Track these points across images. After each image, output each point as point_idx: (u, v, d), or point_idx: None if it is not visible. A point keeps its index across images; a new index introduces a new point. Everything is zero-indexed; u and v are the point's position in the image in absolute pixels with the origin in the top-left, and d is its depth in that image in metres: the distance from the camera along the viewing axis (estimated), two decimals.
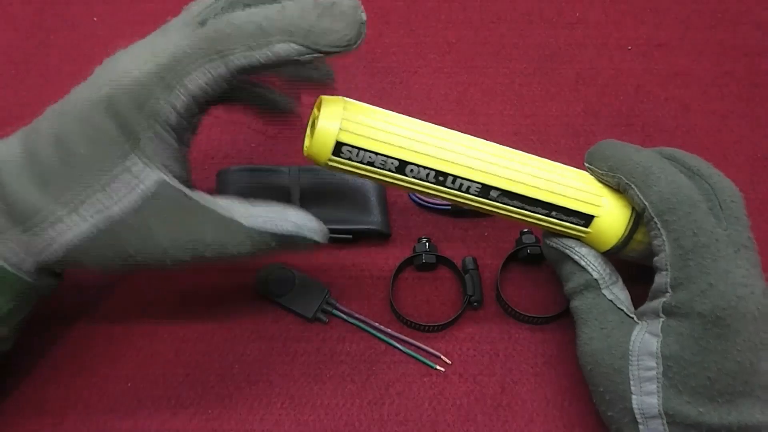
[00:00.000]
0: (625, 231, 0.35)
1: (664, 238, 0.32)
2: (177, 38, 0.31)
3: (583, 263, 0.36)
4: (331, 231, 0.43)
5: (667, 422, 0.31)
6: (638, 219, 0.35)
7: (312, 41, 0.29)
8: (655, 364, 0.31)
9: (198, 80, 0.30)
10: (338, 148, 0.32)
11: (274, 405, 0.39)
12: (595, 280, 0.35)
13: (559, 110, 0.50)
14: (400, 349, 0.40)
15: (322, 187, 0.45)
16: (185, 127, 0.32)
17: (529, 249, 0.42)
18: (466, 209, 0.43)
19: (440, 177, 0.34)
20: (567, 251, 0.36)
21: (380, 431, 0.38)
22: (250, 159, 0.47)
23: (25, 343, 0.41)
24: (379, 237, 0.44)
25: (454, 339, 0.41)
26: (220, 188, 0.45)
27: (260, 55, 0.30)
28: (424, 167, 0.33)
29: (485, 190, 0.34)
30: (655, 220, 0.32)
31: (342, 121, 0.32)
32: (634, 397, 0.32)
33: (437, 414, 0.39)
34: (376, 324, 0.41)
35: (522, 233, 0.43)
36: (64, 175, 0.31)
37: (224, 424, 0.39)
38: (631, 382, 0.32)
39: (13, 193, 0.31)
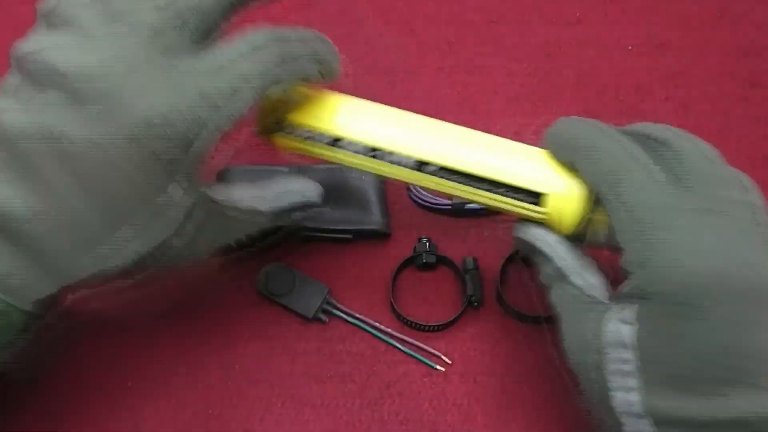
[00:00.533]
0: (584, 209, 0.33)
1: (615, 213, 0.29)
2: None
3: (547, 251, 0.33)
4: (331, 231, 0.43)
5: (654, 421, 0.28)
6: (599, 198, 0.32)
7: (327, 72, 0.33)
8: (631, 357, 0.28)
9: (249, 102, 0.30)
10: (280, 125, 0.34)
11: (274, 405, 0.39)
12: (560, 268, 0.33)
13: (559, 110, 0.50)
14: (400, 349, 0.40)
15: (323, 187, 0.44)
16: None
17: None
18: (466, 209, 0.43)
19: (373, 152, 0.34)
20: (530, 240, 0.34)
21: (380, 431, 0.38)
22: (250, 159, 0.47)
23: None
24: (379, 237, 0.44)
25: (454, 339, 0.41)
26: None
27: (300, 78, 0.32)
28: (356, 141, 0.34)
29: (421, 165, 0.34)
30: (604, 196, 0.30)
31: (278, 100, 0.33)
32: (612, 394, 0.29)
33: (437, 414, 0.39)
34: (376, 324, 0.41)
35: None
36: (104, 217, 0.29)
37: (224, 424, 0.39)
38: (609, 378, 0.29)
39: (50, 252, 0.29)
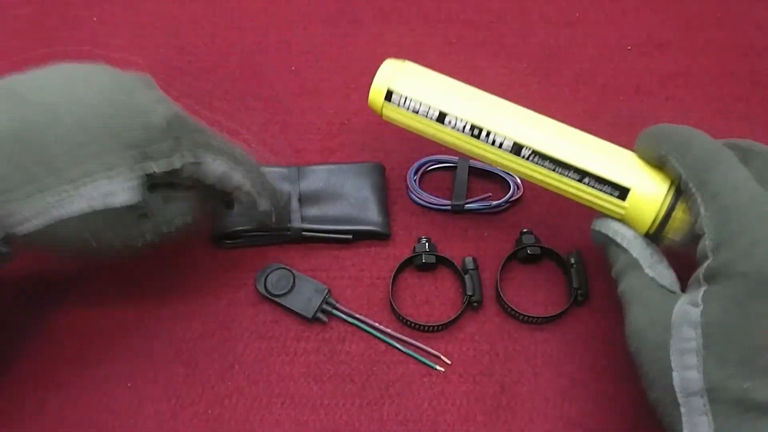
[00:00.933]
0: (663, 205, 0.34)
1: (699, 200, 0.31)
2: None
3: (624, 244, 0.35)
4: (331, 231, 0.43)
5: (709, 399, 0.28)
6: (678, 195, 0.34)
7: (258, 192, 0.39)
8: (695, 335, 0.29)
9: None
10: (389, 95, 0.38)
11: (274, 405, 0.39)
12: (636, 259, 0.34)
13: (559, 110, 0.50)
14: (400, 349, 0.40)
15: (322, 188, 0.45)
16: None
17: (529, 249, 0.42)
18: (466, 209, 0.44)
19: (475, 130, 0.37)
20: (608, 233, 0.36)
21: (380, 431, 0.38)
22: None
23: (25, 343, 0.41)
24: (379, 237, 0.44)
25: (454, 339, 0.41)
26: None
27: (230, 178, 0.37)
28: (461, 119, 0.37)
29: (517, 147, 0.36)
30: (691, 183, 0.31)
31: (395, 73, 0.39)
32: (674, 373, 0.29)
33: (437, 414, 0.39)
34: (376, 324, 0.41)
35: (522, 233, 0.43)
36: (78, 155, 0.31)
37: (224, 424, 0.39)
38: (672, 357, 0.30)
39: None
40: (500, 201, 0.45)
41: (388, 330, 0.41)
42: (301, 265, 0.43)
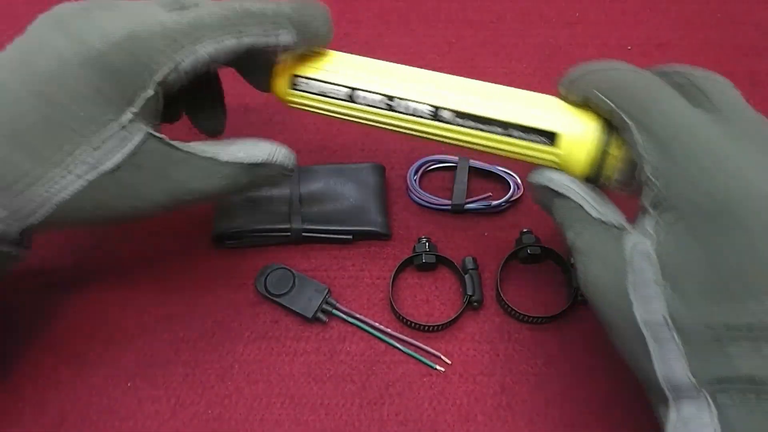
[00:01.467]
0: (596, 143, 0.33)
1: (635, 129, 0.29)
2: (162, 10, 0.33)
3: (563, 191, 0.33)
4: (331, 231, 0.43)
5: (675, 327, 0.27)
6: (610, 131, 0.33)
7: (306, 35, 0.34)
8: (650, 266, 0.28)
9: (207, 47, 0.32)
10: (294, 81, 0.36)
11: (274, 405, 0.39)
12: (578, 204, 0.32)
13: None
14: (400, 349, 0.40)
15: (322, 187, 0.45)
16: (175, 91, 0.33)
17: (529, 249, 0.42)
18: (466, 209, 0.43)
19: (389, 102, 0.35)
20: (544, 182, 0.34)
21: (380, 431, 0.38)
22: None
23: (25, 343, 0.41)
24: (379, 237, 0.44)
25: (454, 339, 0.41)
26: None
27: (270, 39, 0.33)
28: (373, 92, 0.35)
29: (435, 111, 0.35)
30: (624, 114, 0.30)
31: (297, 59, 0.36)
32: (635, 306, 0.28)
33: (437, 414, 0.39)
34: (376, 324, 0.41)
35: (522, 233, 0.43)
36: (51, 134, 0.30)
37: (224, 424, 0.39)
38: (631, 291, 0.28)
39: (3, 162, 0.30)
40: (500, 201, 0.45)
41: (388, 330, 0.41)
42: (301, 265, 0.43)
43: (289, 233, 0.43)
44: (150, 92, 0.31)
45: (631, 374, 0.39)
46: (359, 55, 0.41)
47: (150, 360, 0.40)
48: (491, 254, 0.43)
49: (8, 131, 0.30)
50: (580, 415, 0.39)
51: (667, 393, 0.28)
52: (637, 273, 0.28)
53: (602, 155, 0.33)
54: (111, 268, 0.43)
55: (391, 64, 0.37)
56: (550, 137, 0.34)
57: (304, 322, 0.41)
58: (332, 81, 0.36)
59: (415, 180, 0.46)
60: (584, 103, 0.33)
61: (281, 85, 0.37)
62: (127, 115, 0.31)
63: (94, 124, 0.30)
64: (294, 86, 0.36)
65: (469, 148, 0.36)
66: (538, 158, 0.35)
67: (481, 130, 0.34)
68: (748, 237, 0.26)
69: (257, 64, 0.36)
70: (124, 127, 0.31)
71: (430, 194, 0.45)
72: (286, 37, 0.33)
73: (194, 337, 0.41)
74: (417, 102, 0.35)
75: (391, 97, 0.35)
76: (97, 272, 0.43)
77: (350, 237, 0.43)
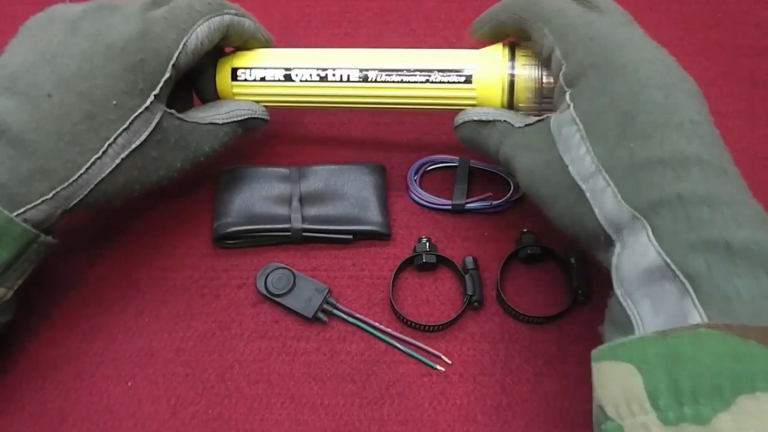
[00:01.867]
0: (505, 68, 0.39)
1: (543, 27, 0.36)
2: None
3: (489, 118, 0.39)
4: (331, 231, 0.43)
5: (606, 172, 0.31)
6: (513, 55, 0.39)
7: (258, 25, 0.43)
8: (575, 128, 0.33)
9: (203, 28, 0.38)
10: (234, 73, 0.42)
11: (274, 405, 0.39)
12: (504, 123, 0.38)
13: None
14: (400, 349, 0.40)
15: (322, 187, 0.45)
16: (185, 71, 0.39)
17: (530, 249, 0.42)
18: (466, 209, 0.43)
19: (322, 74, 0.41)
20: (469, 117, 0.40)
21: (380, 431, 0.38)
22: (251, 159, 0.48)
23: (25, 343, 0.41)
24: (380, 237, 0.44)
25: (454, 339, 0.41)
26: (222, 187, 0.45)
27: (241, 20, 0.41)
28: (306, 68, 0.41)
29: (364, 74, 0.41)
30: (530, 22, 0.37)
31: (234, 55, 0.43)
32: (570, 167, 0.33)
33: (437, 414, 0.39)
34: (376, 324, 0.41)
35: (522, 233, 0.43)
36: (93, 126, 0.35)
37: (224, 424, 0.39)
38: (563, 156, 0.33)
39: (44, 152, 0.34)
40: (501, 201, 0.45)
41: (389, 330, 0.41)
42: (301, 265, 0.43)
43: (289, 233, 0.43)
44: (168, 75, 0.37)
45: None
46: None
47: (150, 360, 0.40)
48: (491, 254, 0.43)
49: (57, 130, 0.34)
50: (580, 415, 0.39)
51: (610, 232, 0.31)
52: (566, 138, 0.34)
53: (511, 78, 0.39)
54: (111, 267, 0.43)
55: (319, 48, 0.42)
56: (466, 76, 0.40)
57: (304, 322, 0.41)
58: (268, 66, 0.42)
59: (415, 180, 0.46)
60: (494, 32, 0.40)
61: (224, 79, 0.42)
62: (150, 98, 0.36)
63: (126, 111, 0.35)
64: (236, 77, 0.42)
65: (399, 105, 0.42)
66: (458, 98, 0.40)
67: (406, 82, 0.40)
68: (631, 86, 0.32)
69: (202, 71, 0.43)
70: (147, 108, 0.36)
71: (430, 194, 0.45)
72: (249, 22, 0.41)
73: (194, 337, 0.41)
74: (347, 68, 0.41)
75: (323, 69, 0.41)
76: (96, 271, 0.43)
77: (350, 237, 0.43)
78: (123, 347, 0.41)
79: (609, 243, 0.32)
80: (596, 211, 0.32)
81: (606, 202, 0.31)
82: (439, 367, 0.40)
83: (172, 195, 0.46)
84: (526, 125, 0.37)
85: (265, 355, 0.41)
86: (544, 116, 0.36)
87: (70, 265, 0.43)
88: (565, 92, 0.35)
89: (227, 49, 0.44)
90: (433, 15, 0.55)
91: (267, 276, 0.42)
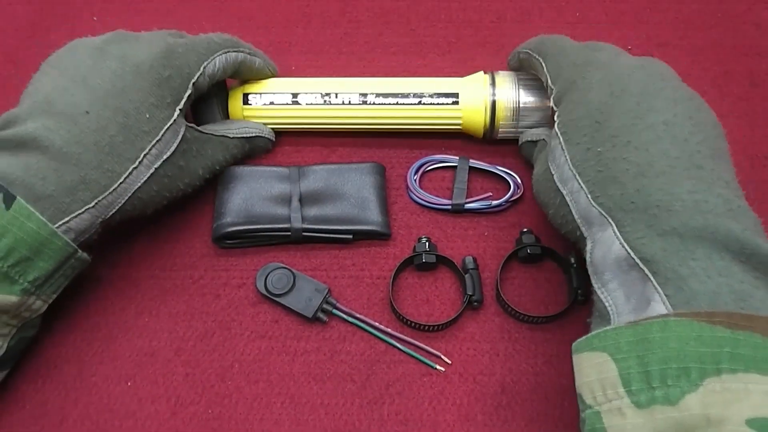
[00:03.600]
0: (487, 91, 0.45)
1: (539, 63, 0.41)
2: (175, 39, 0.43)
3: (533, 138, 0.44)
4: (331, 231, 0.43)
5: (578, 174, 0.35)
6: (494, 80, 0.45)
7: (266, 60, 0.48)
8: (557, 141, 0.37)
9: (220, 58, 0.43)
10: (246, 98, 0.46)
11: (274, 405, 0.39)
12: (543, 140, 0.42)
13: None
14: (400, 349, 0.40)
15: (322, 187, 0.45)
16: (199, 93, 0.43)
17: (530, 249, 0.42)
18: (466, 209, 0.44)
19: (326, 97, 0.46)
20: (526, 138, 0.44)
21: (380, 431, 0.38)
22: (251, 159, 0.48)
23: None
24: (380, 237, 0.44)
25: (454, 339, 0.41)
26: (222, 187, 0.45)
27: (252, 59, 0.45)
28: (311, 92, 0.46)
29: (363, 97, 0.45)
30: (533, 54, 0.42)
31: (245, 83, 0.47)
32: (554, 175, 0.37)
33: (437, 414, 0.39)
34: (376, 324, 0.41)
35: (522, 233, 0.43)
36: (130, 138, 0.37)
37: (224, 424, 0.39)
38: (550, 167, 0.37)
39: (86, 162, 0.36)
40: (500, 200, 0.45)
41: (389, 330, 0.41)
42: (301, 265, 0.43)
43: (289, 233, 0.43)
44: (190, 92, 0.40)
45: None
46: (362, 57, 0.46)
47: (150, 360, 0.40)
48: (491, 254, 0.43)
49: (96, 142, 0.36)
50: (579, 415, 0.38)
51: (584, 229, 0.35)
52: (552, 149, 0.38)
53: (493, 99, 0.45)
54: (111, 267, 0.43)
55: (323, 78, 0.47)
56: (454, 96, 0.45)
57: (304, 321, 0.41)
58: (277, 91, 0.46)
59: (415, 180, 0.46)
60: (519, 64, 0.45)
61: (236, 103, 0.46)
62: (176, 112, 0.39)
63: (158, 123, 0.38)
64: (247, 102, 0.46)
65: (395, 126, 0.46)
66: (446, 119, 0.45)
67: (401, 104, 0.45)
68: (604, 96, 0.36)
69: (206, 98, 0.46)
70: (175, 121, 0.39)
71: (430, 194, 0.45)
72: (259, 61, 0.46)
73: (194, 337, 0.41)
74: (348, 93, 0.46)
75: (327, 94, 0.46)
76: (97, 272, 0.43)
77: (350, 237, 0.43)
78: (123, 347, 0.41)
79: (583, 239, 0.35)
80: (573, 212, 0.35)
81: (580, 202, 0.35)
82: (438, 367, 0.40)
83: None
84: (545, 144, 0.41)
85: (265, 355, 0.41)
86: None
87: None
88: (555, 112, 0.38)
89: (229, 81, 0.48)
90: (433, 15, 0.55)
91: (267, 276, 0.42)
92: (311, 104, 0.46)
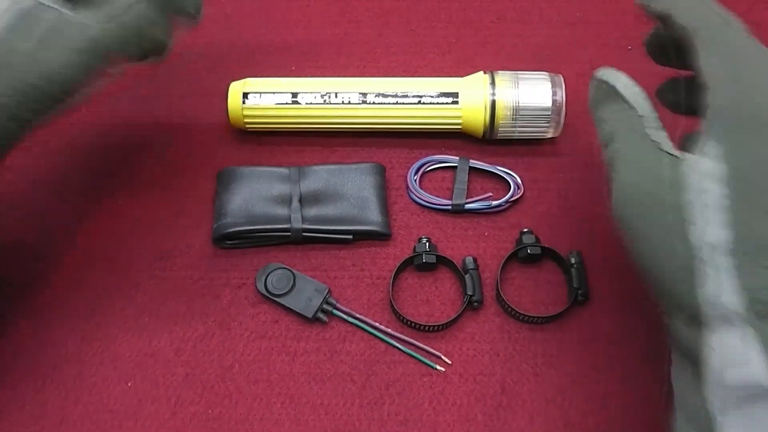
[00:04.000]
0: (486, 90, 0.44)
1: (699, 59, 0.30)
2: None
3: (630, 99, 0.31)
4: (331, 231, 0.43)
5: (733, 252, 0.26)
6: (493, 80, 0.45)
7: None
8: (717, 188, 0.27)
9: None
10: (245, 97, 0.46)
11: (274, 405, 0.39)
12: (640, 118, 0.31)
13: None
14: (400, 349, 0.40)
15: (322, 188, 0.45)
16: None
17: (530, 249, 0.42)
18: (466, 209, 0.44)
19: (326, 96, 0.45)
20: (616, 84, 0.32)
21: (380, 431, 0.38)
22: (251, 159, 0.47)
23: (24, 343, 0.41)
24: (380, 237, 0.44)
25: (454, 339, 0.41)
26: (222, 188, 0.45)
27: None
28: (311, 92, 0.45)
29: (363, 96, 0.45)
30: (689, 33, 0.32)
31: (245, 81, 0.47)
32: (693, 226, 0.27)
33: (437, 414, 0.39)
34: (376, 324, 0.41)
35: (522, 233, 0.43)
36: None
37: (224, 424, 0.39)
38: (688, 211, 0.27)
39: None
40: (500, 201, 0.45)
41: (388, 330, 0.41)
42: (301, 265, 0.43)
43: (289, 233, 0.43)
44: None
45: (630, 375, 0.39)
46: (362, 57, 0.46)
47: (150, 360, 0.40)
48: (491, 254, 0.43)
49: None
50: (580, 415, 0.39)
51: (707, 318, 0.27)
52: (697, 193, 0.27)
53: (492, 99, 0.44)
54: (111, 267, 0.43)
55: (323, 78, 0.47)
56: (453, 96, 0.45)
57: (304, 322, 0.41)
58: (277, 90, 0.46)
59: (415, 180, 0.46)
60: (658, 16, 0.36)
61: (235, 102, 0.46)
62: None
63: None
64: (246, 101, 0.46)
65: (395, 125, 0.46)
66: (446, 119, 0.45)
67: (401, 103, 0.45)
68: None
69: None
70: None
71: (430, 194, 0.45)
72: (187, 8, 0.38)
73: (194, 337, 0.41)
74: (348, 93, 0.45)
75: (327, 94, 0.45)
76: (96, 272, 0.43)
77: (350, 237, 0.43)
78: (123, 347, 0.41)
79: (696, 323, 0.27)
80: (708, 288, 0.27)
81: (722, 283, 0.26)
82: (438, 367, 0.40)
83: (172, 194, 0.46)
84: (656, 145, 0.30)
85: (265, 355, 0.41)
86: (678, 155, 0.29)
87: (69, 264, 0.43)
88: (714, 140, 0.28)
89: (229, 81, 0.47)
90: (433, 15, 0.55)
91: (267, 276, 0.42)
92: (311, 104, 0.45)
